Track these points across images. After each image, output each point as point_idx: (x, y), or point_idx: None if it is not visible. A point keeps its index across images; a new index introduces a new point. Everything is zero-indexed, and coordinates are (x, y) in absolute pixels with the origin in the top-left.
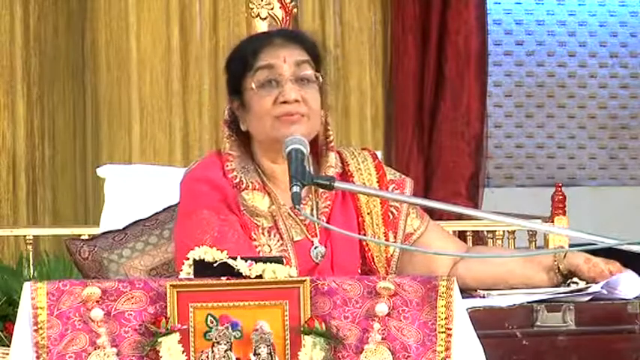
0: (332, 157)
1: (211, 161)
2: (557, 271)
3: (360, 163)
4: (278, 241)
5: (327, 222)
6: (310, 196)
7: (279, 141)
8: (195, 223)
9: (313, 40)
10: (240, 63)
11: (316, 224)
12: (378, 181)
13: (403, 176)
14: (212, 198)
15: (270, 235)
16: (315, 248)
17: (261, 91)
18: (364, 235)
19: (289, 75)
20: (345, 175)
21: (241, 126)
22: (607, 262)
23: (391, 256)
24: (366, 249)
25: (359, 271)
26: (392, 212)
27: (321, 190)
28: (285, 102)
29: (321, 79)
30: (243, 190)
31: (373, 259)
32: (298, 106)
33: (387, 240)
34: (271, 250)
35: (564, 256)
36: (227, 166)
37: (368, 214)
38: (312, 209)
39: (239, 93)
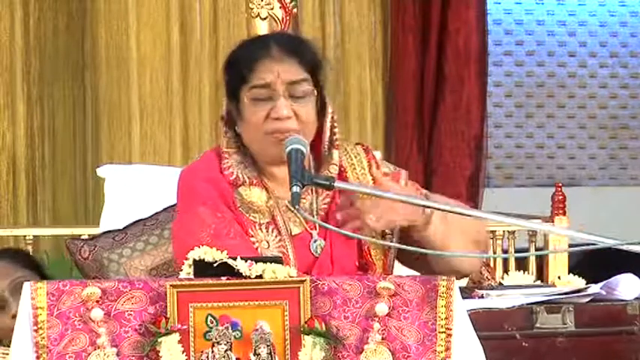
0: (336, 156)
1: (209, 159)
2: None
3: (353, 158)
4: (276, 236)
5: (326, 214)
6: (309, 190)
7: (268, 155)
8: (192, 219)
9: (312, 48)
10: (237, 73)
11: (315, 219)
12: (371, 174)
13: (398, 169)
14: (209, 195)
15: (267, 231)
16: (314, 241)
17: (254, 107)
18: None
19: (282, 91)
20: (339, 171)
21: (236, 128)
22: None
23: (389, 247)
24: (363, 241)
25: (356, 263)
26: None
27: None
28: (277, 118)
29: (315, 92)
30: (240, 185)
31: (370, 251)
32: (289, 122)
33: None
34: (269, 245)
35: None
36: (224, 163)
37: None
38: (311, 203)
39: (235, 98)
